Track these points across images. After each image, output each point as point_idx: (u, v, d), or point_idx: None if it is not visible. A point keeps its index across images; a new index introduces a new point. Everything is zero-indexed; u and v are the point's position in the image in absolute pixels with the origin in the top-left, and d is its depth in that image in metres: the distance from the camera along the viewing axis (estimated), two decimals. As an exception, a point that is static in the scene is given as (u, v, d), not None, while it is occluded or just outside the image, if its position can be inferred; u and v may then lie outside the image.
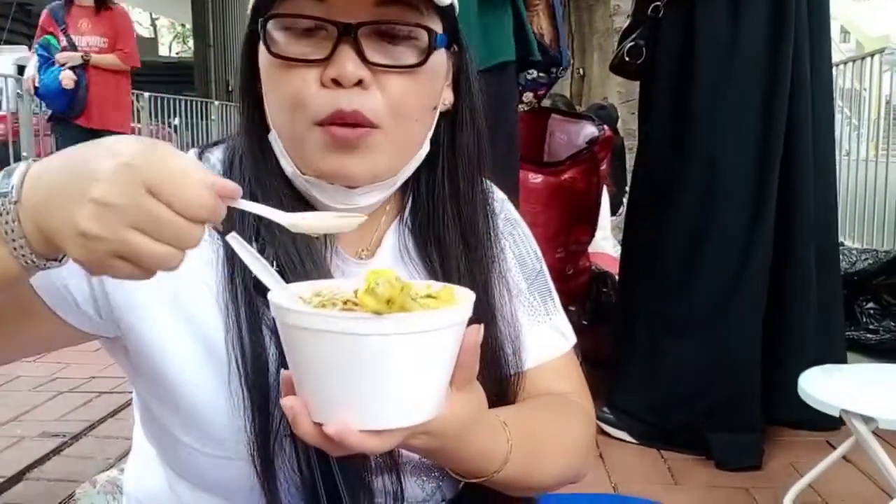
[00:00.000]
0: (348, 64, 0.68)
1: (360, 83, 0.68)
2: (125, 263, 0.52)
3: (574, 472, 0.84)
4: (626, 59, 2.29)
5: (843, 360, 2.25)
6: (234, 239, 0.60)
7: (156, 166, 0.51)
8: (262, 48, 0.72)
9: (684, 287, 2.21)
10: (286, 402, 0.57)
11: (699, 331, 2.19)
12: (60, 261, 0.56)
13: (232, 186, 0.55)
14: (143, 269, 0.53)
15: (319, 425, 0.55)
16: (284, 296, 0.57)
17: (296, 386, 0.57)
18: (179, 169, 0.52)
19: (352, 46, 0.68)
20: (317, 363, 0.54)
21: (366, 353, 0.52)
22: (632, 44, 2.28)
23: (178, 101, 8.96)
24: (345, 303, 0.56)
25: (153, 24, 30.99)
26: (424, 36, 0.71)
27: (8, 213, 0.53)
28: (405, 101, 0.71)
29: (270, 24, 0.70)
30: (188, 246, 0.53)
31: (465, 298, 0.58)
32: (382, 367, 0.53)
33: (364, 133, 0.69)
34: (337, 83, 0.68)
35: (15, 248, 0.54)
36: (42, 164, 0.55)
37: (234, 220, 0.72)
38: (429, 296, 0.58)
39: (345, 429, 0.54)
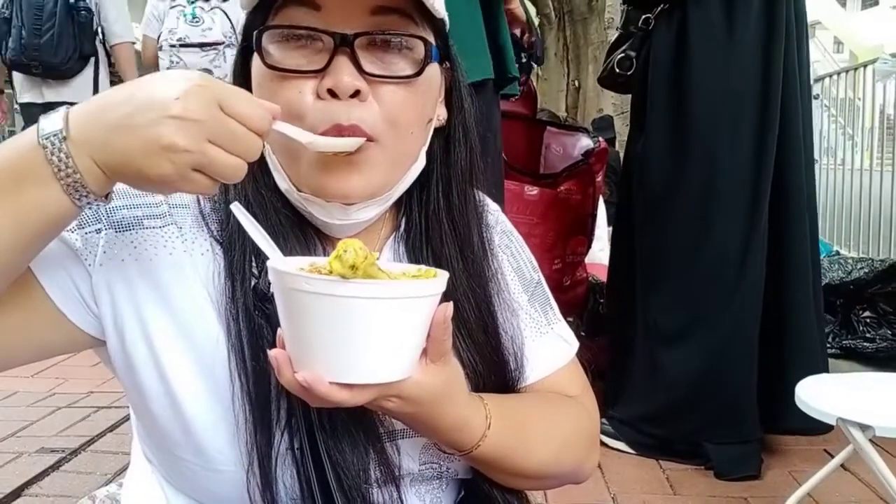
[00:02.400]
0: (345, 75, 0.68)
1: (356, 94, 0.68)
2: (202, 176, 0.58)
3: (572, 466, 0.84)
4: (617, 70, 2.30)
5: (826, 370, 2.27)
6: (237, 208, 0.64)
7: (224, 87, 0.59)
8: (256, 61, 0.72)
9: (681, 296, 2.22)
10: (272, 352, 0.61)
11: (696, 340, 2.19)
12: (107, 197, 0.61)
13: (276, 107, 0.63)
14: (214, 181, 0.59)
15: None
16: (278, 260, 0.63)
17: (284, 340, 0.62)
18: (240, 90, 0.61)
19: (348, 57, 0.68)
20: (295, 318, 0.60)
21: (331, 311, 0.57)
22: (622, 55, 2.29)
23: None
24: (329, 272, 0.60)
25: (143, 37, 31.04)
26: (420, 46, 0.71)
27: (60, 151, 0.57)
28: (402, 113, 0.71)
29: (265, 37, 0.71)
30: (252, 157, 0.60)
31: (437, 276, 0.63)
32: (347, 326, 0.58)
33: (362, 148, 0.70)
34: (333, 94, 0.68)
35: (69, 184, 0.57)
36: (86, 104, 0.59)
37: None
38: (415, 276, 0.64)
39: (315, 378, 0.58)
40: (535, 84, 3.59)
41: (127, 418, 2.55)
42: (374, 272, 0.60)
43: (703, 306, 2.19)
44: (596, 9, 5.52)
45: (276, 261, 0.62)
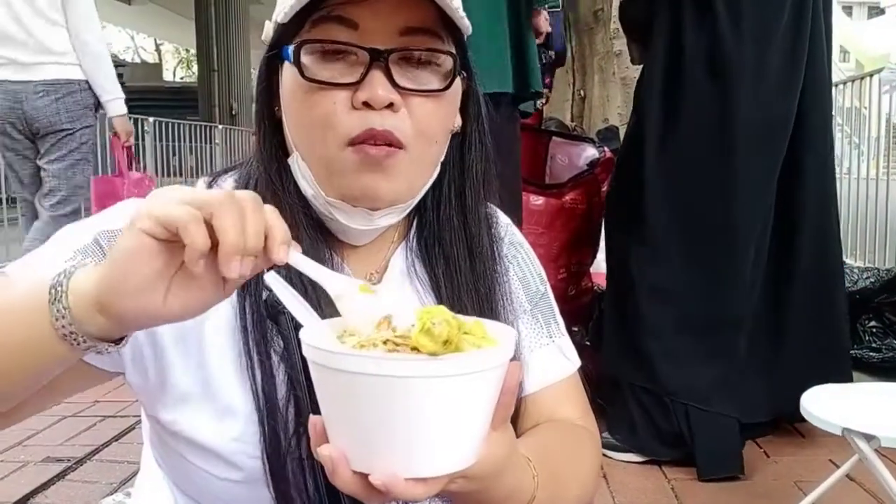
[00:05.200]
0: (380, 88, 0.70)
1: (390, 106, 0.71)
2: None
3: (586, 501, 0.84)
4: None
5: (850, 380, 2.29)
6: (272, 278, 0.61)
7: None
8: (287, 72, 0.75)
9: (685, 253, 2.23)
10: (323, 451, 0.54)
11: (689, 299, 2.23)
12: (118, 342, 0.58)
13: (295, 245, 0.58)
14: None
15: (359, 474, 0.53)
16: (323, 337, 0.55)
17: (330, 431, 0.55)
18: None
19: (382, 71, 0.71)
20: (361, 408, 0.51)
21: (420, 396, 0.50)
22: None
23: (182, 126, 9.03)
24: (385, 342, 0.53)
25: (157, 50, 31.28)
26: (449, 62, 0.75)
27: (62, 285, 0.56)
28: (431, 124, 0.74)
29: (303, 49, 0.73)
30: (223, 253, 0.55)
31: (506, 334, 0.56)
32: (436, 410, 0.51)
33: (392, 153, 0.72)
34: (368, 105, 0.71)
35: (57, 309, 0.55)
36: None
37: None
38: (464, 332, 0.55)
39: (393, 479, 0.52)
40: (540, 94, 3.60)
41: (132, 427, 2.57)
42: (463, 344, 0.53)
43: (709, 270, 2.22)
44: (602, 19, 5.54)
45: (325, 340, 0.55)
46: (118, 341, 0.58)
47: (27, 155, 3.32)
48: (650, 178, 2.24)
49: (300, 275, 0.64)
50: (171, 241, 0.53)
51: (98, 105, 3.38)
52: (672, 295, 2.23)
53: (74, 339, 0.56)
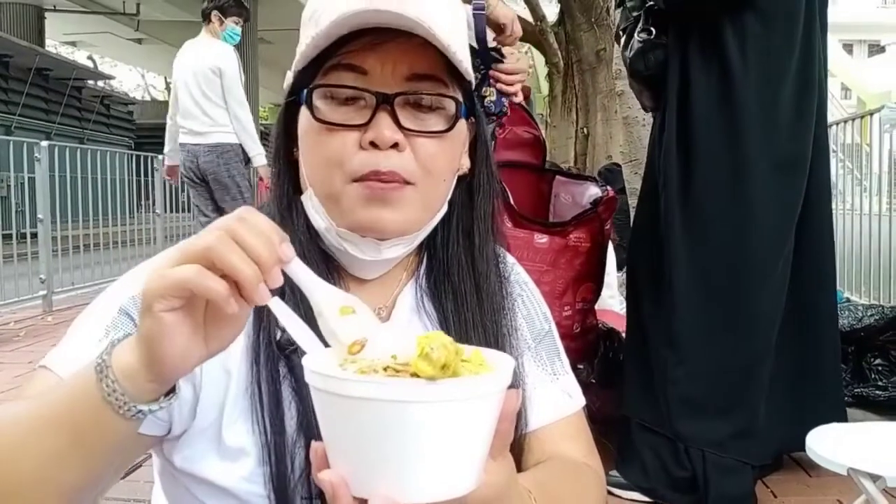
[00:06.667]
0: (385, 129, 0.75)
1: (395, 146, 0.75)
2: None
3: None
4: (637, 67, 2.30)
5: (843, 419, 2.26)
6: (276, 304, 0.63)
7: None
8: (303, 114, 0.79)
9: (697, 303, 2.22)
10: (324, 476, 0.55)
11: (709, 350, 2.20)
12: (168, 396, 0.61)
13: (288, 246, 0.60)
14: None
15: (359, 500, 0.54)
16: (325, 363, 0.56)
17: (331, 457, 0.56)
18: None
19: (388, 114, 0.75)
20: (361, 433, 0.52)
21: (418, 420, 0.51)
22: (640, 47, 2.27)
23: (190, 163, 9.09)
24: (385, 369, 0.55)
25: (168, 88, 31.66)
26: (452, 105, 0.79)
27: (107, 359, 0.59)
28: (435, 162, 0.78)
29: (315, 93, 0.77)
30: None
31: (503, 362, 0.57)
32: (434, 435, 0.51)
33: (398, 188, 0.76)
34: (374, 145, 0.75)
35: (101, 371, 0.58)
36: None
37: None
38: (462, 360, 0.56)
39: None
40: (543, 133, 3.64)
41: (139, 466, 2.55)
42: (461, 369, 0.54)
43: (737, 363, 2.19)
44: (604, 58, 5.62)
45: (325, 365, 0.55)
46: (168, 396, 0.61)
47: (203, 194, 4.96)
48: (671, 225, 2.24)
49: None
50: (188, 301, 0.56)
51: (248, 159, 4.92)
52: (693, 343, 2.21)
53: (136, 413, 0.59)
